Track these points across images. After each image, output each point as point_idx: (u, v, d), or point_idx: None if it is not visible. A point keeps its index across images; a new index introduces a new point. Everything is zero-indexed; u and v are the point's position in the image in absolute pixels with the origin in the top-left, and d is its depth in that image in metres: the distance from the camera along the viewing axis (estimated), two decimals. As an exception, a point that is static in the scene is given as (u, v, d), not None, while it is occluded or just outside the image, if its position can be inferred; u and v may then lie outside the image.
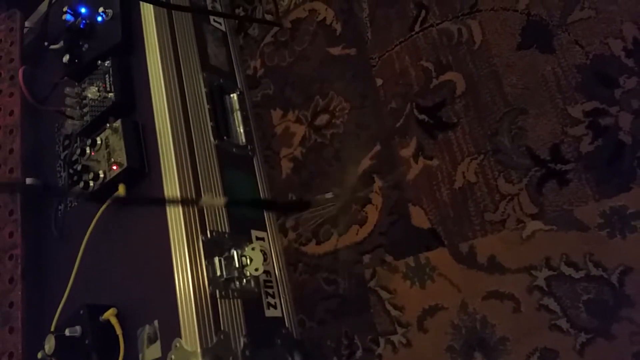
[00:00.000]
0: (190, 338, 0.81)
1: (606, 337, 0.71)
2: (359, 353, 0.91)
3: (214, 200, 0.74)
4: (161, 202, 0.88)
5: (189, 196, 0.91)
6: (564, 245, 0.76)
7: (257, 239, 1.01)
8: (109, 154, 0.97)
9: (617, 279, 0.71)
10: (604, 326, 0.71)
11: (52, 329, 0.92)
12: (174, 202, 0.87)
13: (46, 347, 0.88)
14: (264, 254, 0.98)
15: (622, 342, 0.70)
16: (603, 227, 0.73)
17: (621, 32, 0.77)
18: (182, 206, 0.88)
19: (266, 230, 1.04)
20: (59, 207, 1.12)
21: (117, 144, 0.96)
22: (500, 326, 0.79)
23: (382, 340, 0.89)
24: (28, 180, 1.16)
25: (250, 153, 1.09)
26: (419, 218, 0.90)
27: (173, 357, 0.81)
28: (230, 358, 0.83)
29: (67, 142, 1.16)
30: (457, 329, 0.82)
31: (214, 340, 0.82)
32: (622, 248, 0.72)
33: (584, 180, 0.76)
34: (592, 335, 0.72)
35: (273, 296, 0.97)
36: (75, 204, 1.09)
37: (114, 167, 0.95)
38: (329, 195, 0.94)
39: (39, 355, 0.90)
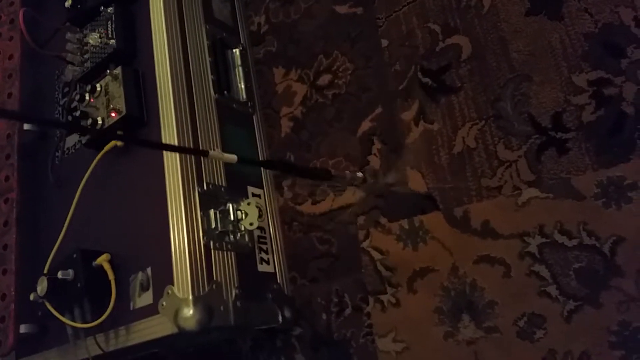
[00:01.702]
0: (182, 286, 0.81)
1: (594, 305, 0.72)
2: (348, 311, 0.92)
3: (224, 156, 0.72)
4: (168, 148, 0.87)
5: (195, 146, 0.91)
6: (559, 213, 0.76)
7: (253, 195, 1.01)
8: (108, 101, 0.96)
9: (609, 248, 0.72)
10: (592, 294, 0.72)
11: (45, 271, 0.92)
12: (183, 150, 0.86)
13: (38, 288, 0.89)
14: (260, 210, 0.98)
15: (609, 310, 0.71)
16: (599, 197, 0.74)
17: (632, 1, 0.76)
18: (181, 156, 0.88)
19: (263, 188, 1.04)
20: (56, 154, 1.11)
21: (117, 91, 0.95)
22: (490, 290, 0.80)
23: (371, 299, 0.90)
24: (26, 126, 1.15)
25: (250, 110, 1.09)
26: (416, 182, 0.90)
27: (164, 303, 0.82)
28: (222, 307, 0.83)
29: (66, 89, 1.15)
30: (446, 291, 0.83)
31: (206, 290, 0.83)
32: (617, 218, 0.72)
33: (584, 150, 0.76)
34: (580, 302, 0.73)
35: (266, 252, 0.98)
36: (73, 151, 1.09)
37: (113, 114, 0.94)
38: (358, 174, 0.91)
39: (31, 296, 0.91)
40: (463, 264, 0.82)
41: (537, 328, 0.75)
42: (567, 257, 0.75)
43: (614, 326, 0.70)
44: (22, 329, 1.01)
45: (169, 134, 0.90)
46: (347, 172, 0.93)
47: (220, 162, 0.95)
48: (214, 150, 0.88)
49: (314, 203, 1.01)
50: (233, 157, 0.74)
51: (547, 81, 0.81)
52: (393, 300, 0.88)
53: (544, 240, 0.76)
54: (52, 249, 0.96)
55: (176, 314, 0.80)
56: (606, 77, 0.76)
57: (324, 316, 0.95)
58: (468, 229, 0.83)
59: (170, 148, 0.88)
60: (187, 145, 0.90)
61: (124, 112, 0.93)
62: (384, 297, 0.89)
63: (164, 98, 0.93)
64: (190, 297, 0.80)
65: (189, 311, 0.79)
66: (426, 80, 0.91)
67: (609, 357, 0.70)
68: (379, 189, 0.90)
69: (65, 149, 1.10)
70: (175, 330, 0.80)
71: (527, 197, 0.79)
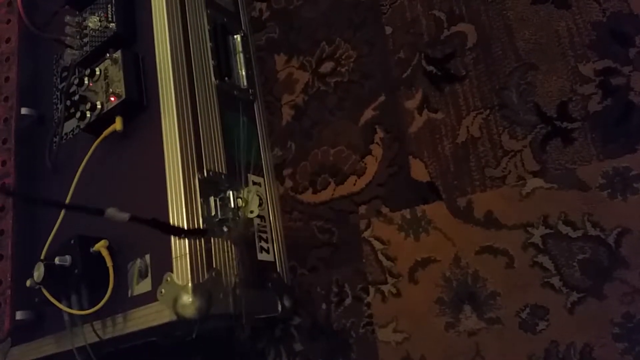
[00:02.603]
0: (182, 273, 0.80)
1: (597, 296, 0.71)
2: (348, 301, 0.91)
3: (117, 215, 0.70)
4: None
5: (187, 134, 0.90)
6: (564, 204, 0.75)
7: (254, 183, 1.00)
8: (107, 85, 0.95)
9: (614, 240, 0.71)
10: (596, 286, 0.71)
11: (42, 257, 0.91)
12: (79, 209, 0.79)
13: (35, 274, 0.87)
14: (260, 198, 0.97)
15: (613, 302, 0.70)
16: (604, 188, 0.73)
17: (642, -10, 0.74)
18: (181, 141, 0.87)
19: (263, 176, 1.03)
20: (54, 139, 1.10)
21: (116, 75, 0.94)
22: (492, 281, 0.79)
23: (372, 289, 0.89)
24: (23, 110, 1.14)
25: (251, 97, 1.07)
26: (419, 171, 0.89)
27: (163, 290, 0.81)
28: (221, 295, 0.83)
29: (65, 73, 1.13)
30: (448, 281, 0.82)
31: (206, 277, 0.82)
32: (622, 209, 0.71)
33: (589, 140, 0.75)
34: (583, 294, 0.72)
35: (266, 241, 0.97)
36: (71, 136, 1.07)
37: (112, 99, 0.93)
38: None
39: (28, 283, 0.89)
40: (465, 254, 0.82)
41: (540, 319, 0.74)
42: (571, 248, 0.74)
43: (618, 318, 0.69)
44: (18, 315, 1.00)
45: (169, 119, 0.89)
46: None
47: (221, 148, 0.94)
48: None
49: (315, 192, 1.00)
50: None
51: (553, 70, 0.80)
52: (394, 290, 0.87)
53: (548, 231, 0.76)
54: (49, 235, 0.95)
55: (175, 301, 0.79)
56: (613, 67, 0.75)
57: (324, 306, 0.94)
58: (471, 219, 0.82)
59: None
60: (187, 130, 0.89)
61: (124, 96, 0.91)
62: (384, 287, 0.88)
63: (164, 83, 0.91)
64: (190, 284, 0.79)
65: (188, 299, 0.78)
66: (430, 68, 0.90)
67: (612, 349, 0.69)
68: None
69: (63, 134, 1.08)
70: (173, 317, 0.79)
71: (532, 188, 0.78)
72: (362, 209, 0.93)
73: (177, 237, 0.82)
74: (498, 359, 0.76)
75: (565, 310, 0.73)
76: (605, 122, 0.74)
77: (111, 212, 0.71)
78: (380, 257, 0.89)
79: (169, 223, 0.84)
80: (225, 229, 0.88)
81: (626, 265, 0.70)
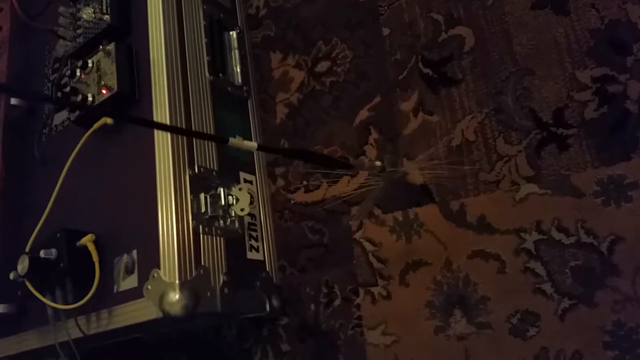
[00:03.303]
0: (169, 270, 0.79)
1: (589, 304, 0.71)
2: (337, 302, 0.91)
3: (244, 143, 0.69)
4: (181, 131, 0.84)
5: (187, 128, 0.88)
6: (557, 210, 0.75)
7: (245, 181, 0.99)
8: (99, 77, 0.93)
9: (607, 247, 0.71)
10: (588, 293, 0.71)
11: (27, 250, 0.89)
12: (198, 134, 0.82)
13: (19, 267, 0.86)
14: (251, 196, 0.96)
15: (604, 309, 0.70)
16: (599, 195, 0.72)
17: (641, -2, 0.74)
18: (172, 136, 0.86)
19: (255, 174, 1.02)
20: (43, 131, 1.08)
21: (109, 67, 0.92)
22: (483, 285, 0.78)
23: (361, 291, 0.88)
24: (13, 101, 1.12)
25: (245, 94, 1.06)
26: (413, 173, 0.88)
27: (150, 287, 0.80)
28: (209, 293, 0.81)
29: (57, 65, 1.11)
30: (438, 285, 0.82)
31: (193, 274, 0.80)
32: (616, 217, 0.71)
33: (585, 147, 0.75)
34: (575, 301, 0.72)
35: (256, 239, 0.96)
36: (61, 128, 1.06)
37: (104, 91, 0.91)
38: (377, 163, 0.87)
39: (11, 275, 0.88)
40: (457, 258, 0.81)
41: (530, 325, 0.74)
42: (563, 254, 0.73)
43: (609, 326, 0.69)
44: (1, 308, 0.98)
45: (161, 114, 0.88)
46: (365, 159, 0.89)
47: (213, 145, 0.93)
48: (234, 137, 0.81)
49: (307, 191, 0.99)
50: (253, 145, 0.72)
51: (550, 76, 0.79)
52: (384, 292, 0.86)
53: (540, 236, 0.75)
54: (34, 228, 0.93)
55: (161, 298, 0.78)
56: (611, 74, 0.75)
57: (313, 306, 0.93)
58: (463, 223, 0.81)
59: (189, 133, 0.85)
60: (179, 125, 0.87)
61: (116, 89, 0.90)
62: (374, 289, 0.87)
63: (157, 76, 0.90)
64: (177, 281, 0.78)
65: (174, 296, 0.77)
66: (427, 70, 0.90)
67: (602, 357, 0.68)
68: (397, 177, 0.87)
69: (53, 126, 1.07)
70: (159, 314, 0.78)
71: (525, 193, 0.77)
72: (354, 210, 0.92)
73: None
74: (487, 365, 0.76)
75: (556, 317, 0.72)
76: (601, 130, 0.74)
77: (235, 140, 0.69)
78: (371, 258, 0.88)
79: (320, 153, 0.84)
80: (215, 226, 0.87)
81: (618, 273, 0.69)
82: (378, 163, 0.86)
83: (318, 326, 0.92)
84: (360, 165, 0.86)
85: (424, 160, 0.85)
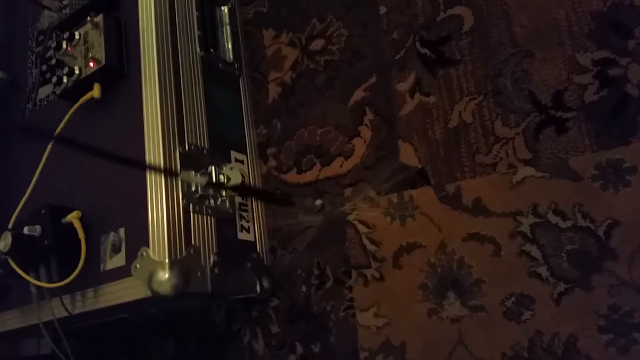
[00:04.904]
0: (158, 248, 0.77)
1: (585, 288, 0.70)
2: (329, 284, 0.89)
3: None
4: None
5: (169, 105, 0.86)
6: (554, 193, 0.74)
7: (237, 160, 0.97)
8: (86, 50, 0.90)
9: (604, 231, 0.70)
10: (584, 277, 0.71)
11: (10, 226, 0.87)
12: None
13: (1, 244, 0.83)
14: (242, 176, 0.94)
15: (600, 293, 0.69)
16: (597, 179, 0.72)
17: (644, -19, 0.73)
18: (162, 112, 0.83)
19: (246, 154, 1.00)
20: (27, 105, 1.05)
21: (97, 40, 0.89)
22: (478, 268, 0.78)
23: (354, 273, 0.87)
24: (-5, 73, 1.08)
25: (237, 72, 1.04)
26: (408, 155, 0.87)
27: (138, 265, 0.78)
28: (199, 273, 0.79)
29: (41, 37, 1.07)
30: (432, 267, 0.81)
31: (183, 254, 0.79)
32: (613, 201, 0.70)
33: (584, 130, 0.74)
34: (570, 285, 0.71)
35: (247, 220, 0.94)
36: (46, 102, 1.02)
37: (91, 64, 0.88)
38: (317, 203, 0.88)
39: (-7, 252, 0.85)
40: (452, 241, 0.80)
41: (525, 309, 0.73)
42: (560, 238, 0.73)
43: (604, 310, 0.69)
44: (-18, 287, 0.95)
45: (150, 88, 0.85)
46: (308, 199, 0.91)
47: (204, 122, 0.91)
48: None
49: (299, 172, 0.97)
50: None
51: (550, 58, 0.78)
52: (377, 274, 0.85)
53: (537, 220, 0.75)
54: (18, 204, 0.90)
55: (150, 277, 0.76)
56: (612, 58, 0.74)
57: (304, 288, 0.92)
58: (459, 206, 0.80)
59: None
60: (169, 100, 0.85)
61: (103, 62, 0.87)
62: (367, 272, 0.86)
63: (146, 50, 0.87)
64: (167, 260, 0.76)
65: (164, 275, 0.75)
66: (424, 51, 0.88)
67: (597, 341, 0.68)
68: (335, 217, 0.89)
69: (37, 100, 1.03)
70: (148, 294, 0.76)
71: (522, 176, 0.77)
72: (348, 191, 0.91)
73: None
74: (481, 347, 0.75)
75: (552, 301, 0.72)
76: (600, 113, 0.73)
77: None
78: (365, 240, 0.87)
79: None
80: (205, 205, 0.85)
81: (615, 257, 0.69)
82: (319, 202, 0.86)
83: (309, 308, 0.90)
84: (302, 205, 0.86)
85: (363, 203, 0.86)
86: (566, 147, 0.75)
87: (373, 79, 0.92)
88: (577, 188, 0.73)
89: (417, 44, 0.89)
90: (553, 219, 0.74)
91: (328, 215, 0.89)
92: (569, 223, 0.73)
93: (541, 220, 0.74)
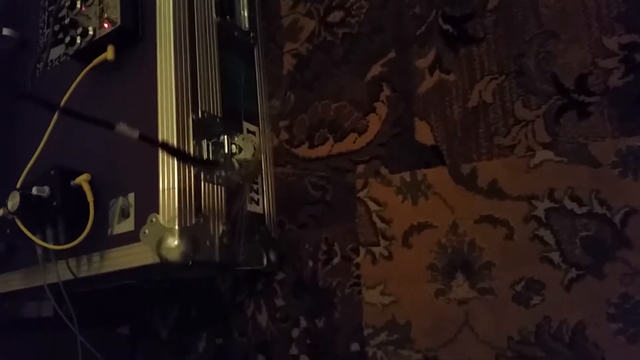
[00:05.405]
0: (168, 215, 0.76)
1: (597, 275, 0.69)
2: (336, 260, 0.89)
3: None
4: None
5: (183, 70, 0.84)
6: (572, 179, 0.73)
7: (249, 131, 0.95)
8: (101, 11, 0.88)
9: (620, 219, 0.69)
10: (596, 265, 0.70)
11: (18, 186, 0.86)
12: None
13: (9, 203, 0.82)
14: (254, 147, 0.93)
15: (612, 281, 0.68)
16: (616, 166, 0.70)
17: (679, -37, 0.71)
18: (177, 77, 0.82)
19: (258, 125, 0.98)
20: (38, 65, 1.03)
21: (112, 0, 0.87)
22: (489, 251, 0.77)
23: (362, 250, 0.86)
24: (5, 31, 1.06)
25: (252, 41, 1.02)
26: (424, 133, 0.85)
27: (147, 231, 0.77)
28: (207, 242, 0.79)
29: (54, -4, 1.05)
30: (442, 248, 0.80)
31: (193, 222, 0.78)
32: (632, 189, 0.69)
33: (606, 116, 0.72)
34: (583, 272, 0.70)
35: (257, 192, 0.93)
36: (57, 63, 1.01)
37: (106, 25, 0.87)
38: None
39: (0, 212, 0.84)
40: (464, 222, 0.79)
41: (535, 294, 0.73)
42: (574, 224, 0.72)
43: (615, 298, 0.68)
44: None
45: (165, 52, 0.84)
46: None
47: (218, 91, 0.89)
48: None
49: (312, 147, 0.96)
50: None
51: (575, 40, 0.76)
52: (385, 253, 0.84)
53: (552, 205, 0.73)
54: (26, 164, 0.89)
55: (159, 243, 0.75)
56: (640, 42, 0.72)
57: (310, 263, 0.91)
58: (474, 187, 0.79)
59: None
60: (183, 66, 0.83)
61: (119, 23, 0.85)
62: (376, 249, 0.85)
63: (162, 12, 0.85)
64: (176, 227, 0.75)
65: (173, 241, 0.75)
66: (447, 27, 0.86)
67: (605, 329, 0.68)
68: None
69: (48, 61, 1.02)
70: (156, 260, 0.75)
71: (540, 160, 0.75)
72: (360, 168, 0.90)
73: (182, 163, 0.77)
74: (487, 330, 0.75)
75: (562, 287, 0.71)
76: (624, 99, 0.72)
77: (122, 127, 0.66)
78: (375, 218, 0.86)
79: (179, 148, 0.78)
80: (216, 175, 0.84)
81: (630, 245, 0.68)
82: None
83: (315, 283, 0.90)
84: None
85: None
86: (587, 132, 0.73)
87: (392, 54, 0.91)
88: (596, 174, 0.71)
89: (440, 19, 0.87)
90: (569, 204, 0.73)
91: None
92: (584, 209, 0.71)
93: (557, 205, 0.73)
